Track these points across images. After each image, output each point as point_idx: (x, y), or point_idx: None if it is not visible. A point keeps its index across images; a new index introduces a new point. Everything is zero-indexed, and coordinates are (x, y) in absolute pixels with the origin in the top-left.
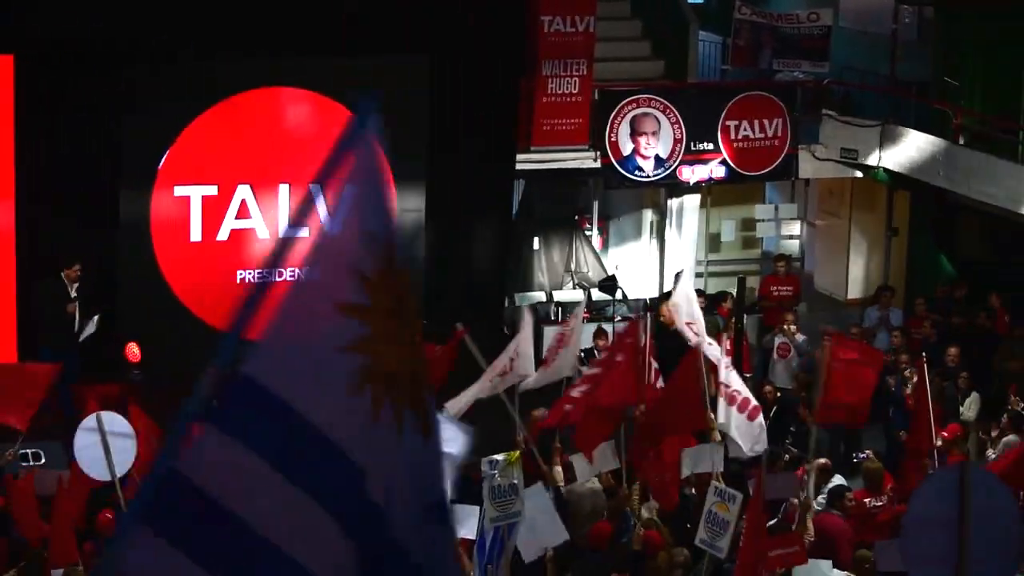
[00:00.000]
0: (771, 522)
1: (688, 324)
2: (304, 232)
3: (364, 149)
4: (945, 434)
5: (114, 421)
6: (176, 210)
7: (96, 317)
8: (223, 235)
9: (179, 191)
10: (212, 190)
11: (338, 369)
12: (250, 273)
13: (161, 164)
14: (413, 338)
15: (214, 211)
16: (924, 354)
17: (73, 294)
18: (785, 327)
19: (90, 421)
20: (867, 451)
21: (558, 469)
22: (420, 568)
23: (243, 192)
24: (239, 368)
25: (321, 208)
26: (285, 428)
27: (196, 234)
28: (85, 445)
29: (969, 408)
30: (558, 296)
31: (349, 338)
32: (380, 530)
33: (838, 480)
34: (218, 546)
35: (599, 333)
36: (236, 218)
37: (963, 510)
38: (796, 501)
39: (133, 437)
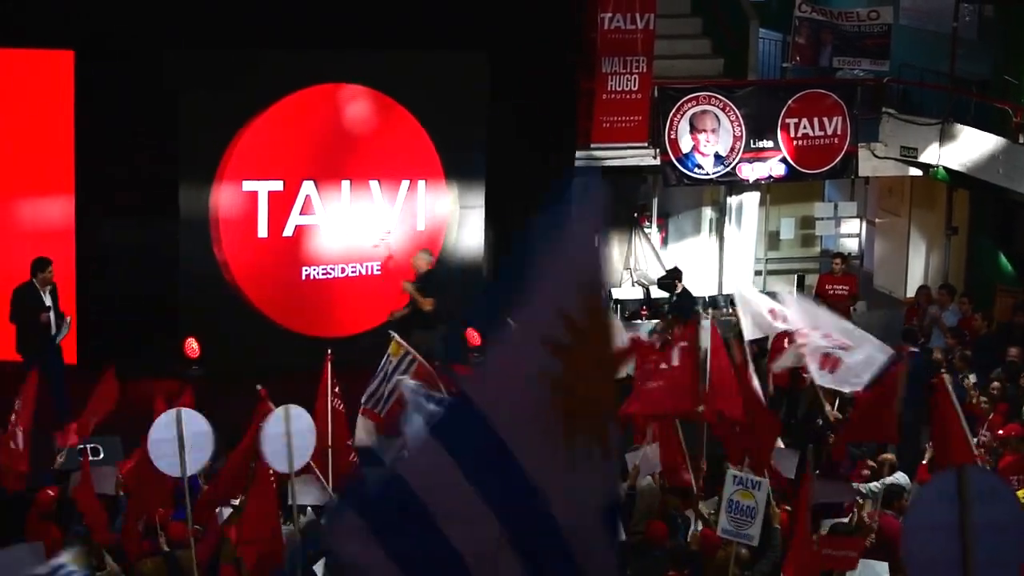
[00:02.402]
0: (835, 520)
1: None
2: None
3: (588, 208)
4: (1000, 432)
5: (192, 419)
6: (243, 205)
7: (69, 319)
8: (288, 231)
9: (247, 186)
10: (278, 185)
11: (532, 397)
12: (314, 269)
13: (227, 159)
14: (602, 373)
15: (280, 207)
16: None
17: (47, 300)
18: None
19: (167, 417)
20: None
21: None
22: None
23: (307, 188)
24: (459, 386)
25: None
26: (483, 443)
27: (263, 230)
28: (162, 439)
29: None
30: (617, 294)
31: (547, 371)
32: (543, 534)
33: (901, 478)
34: (410, 547)
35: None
36: (301, 214)
37: (963, 514)
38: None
39: (211, 435)
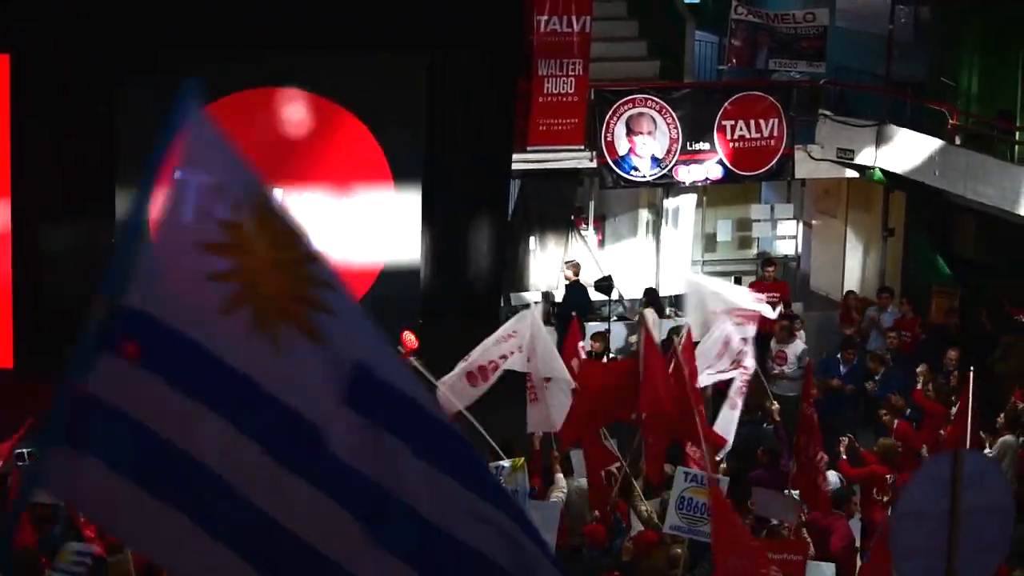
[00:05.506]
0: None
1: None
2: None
3: (196, 126)
4: (942, 433)
5: None
6: None
7: None
8: None
9: None
10: None
11: (210, 295)
12: None
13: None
14: (288, 262)
15: None
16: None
17: None
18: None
19: None
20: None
21: (560, 476)
22: (324, 448)
23: None
24: (122, 300)
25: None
26: (172, 347)
27: None
28: None
29: None
30: (556, 296)
31: (216, 270)
32: (276, 424)
33: (833, 477)
34: (136, 455)
35: (597, 336)
36: None
37: (955, 500)
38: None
39: None
